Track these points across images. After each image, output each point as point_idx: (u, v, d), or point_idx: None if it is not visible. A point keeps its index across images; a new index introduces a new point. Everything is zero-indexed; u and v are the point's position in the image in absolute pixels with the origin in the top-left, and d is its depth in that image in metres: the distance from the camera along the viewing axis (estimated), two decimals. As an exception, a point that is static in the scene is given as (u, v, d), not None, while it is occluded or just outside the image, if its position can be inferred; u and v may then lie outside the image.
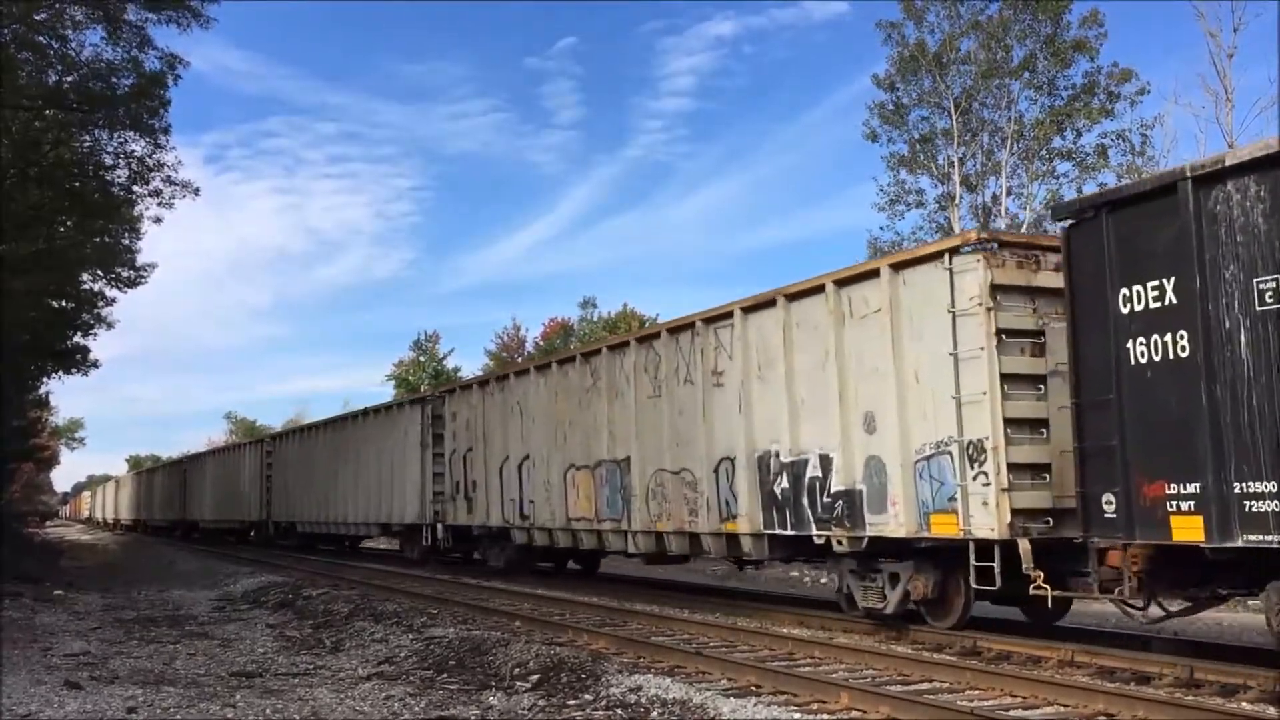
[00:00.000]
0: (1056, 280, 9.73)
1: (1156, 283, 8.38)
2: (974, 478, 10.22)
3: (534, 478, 18.29)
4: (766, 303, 13.16)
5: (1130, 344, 8.52)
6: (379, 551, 30.86)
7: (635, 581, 18.82)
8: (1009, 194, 31.68)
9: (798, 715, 7.92)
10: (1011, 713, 7.84)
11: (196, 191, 23.40)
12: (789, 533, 12.75)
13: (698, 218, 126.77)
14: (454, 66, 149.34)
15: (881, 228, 34.56)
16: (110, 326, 34.22)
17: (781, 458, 12.74)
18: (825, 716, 7.93)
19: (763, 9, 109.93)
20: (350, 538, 29.29)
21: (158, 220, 25.42)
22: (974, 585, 10.30)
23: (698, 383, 14.33)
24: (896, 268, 11.37)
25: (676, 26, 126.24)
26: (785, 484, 12.69)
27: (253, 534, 37.19)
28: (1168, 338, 8.29)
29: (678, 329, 14.97)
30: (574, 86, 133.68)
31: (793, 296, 12.73)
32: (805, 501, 12.37)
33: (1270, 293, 7.70)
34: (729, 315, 13.77)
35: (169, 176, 22.43)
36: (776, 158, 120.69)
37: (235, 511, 38.12)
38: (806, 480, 12.37)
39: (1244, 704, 7.82)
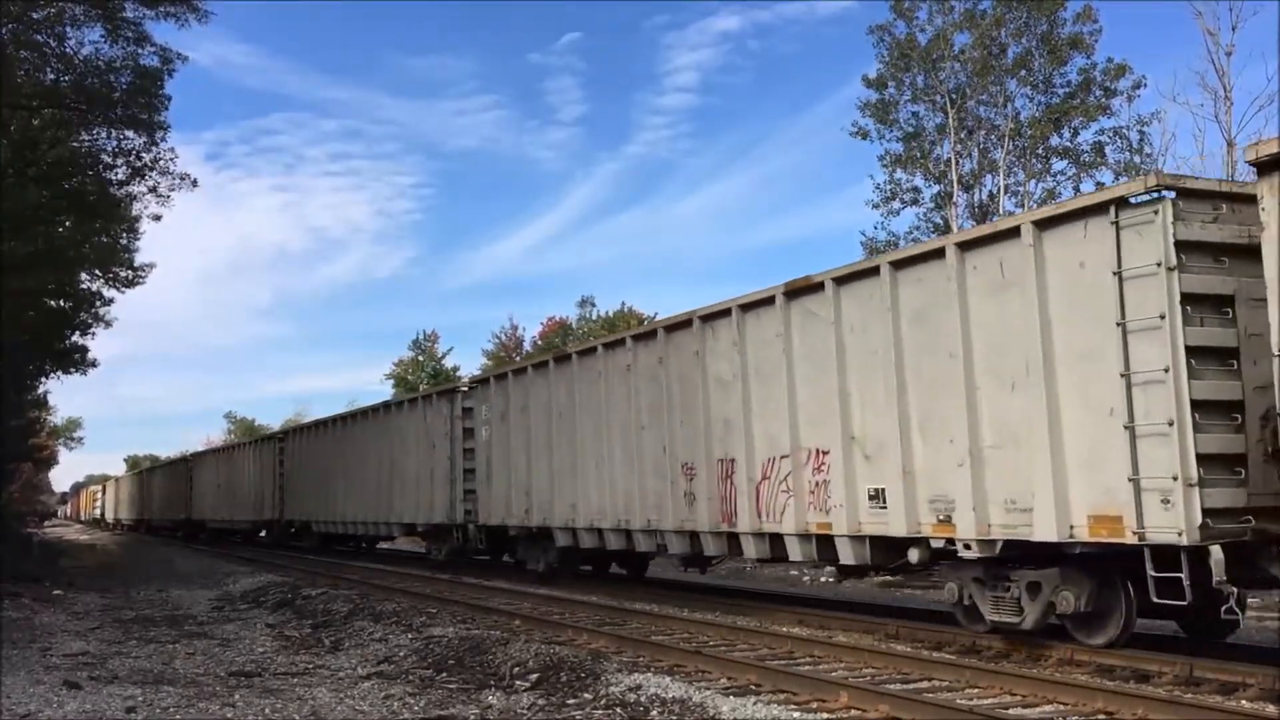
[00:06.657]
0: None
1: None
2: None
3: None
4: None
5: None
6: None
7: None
8: (1006, 192, 31.68)
9: (797, 714, 7.90)
10: (1011, 711, 7.84)
11: (194, 183, 23.46)
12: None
13: (701, 215, 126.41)
14: (457, 62, 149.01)
15: (876, 226, 34.56)
16: (109, 325, 34.36)
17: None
18: (825, 715, 7.92)
19: (768, 4, 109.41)
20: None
21: (156, 218, 25.44)
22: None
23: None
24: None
25: (680, 22, 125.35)
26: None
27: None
28: None
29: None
30: (577, 83, 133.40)
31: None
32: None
33: None
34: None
35: (165, 168, 22.49)
36: (782, 154, 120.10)
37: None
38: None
39: (1243, 702, 7.82)
